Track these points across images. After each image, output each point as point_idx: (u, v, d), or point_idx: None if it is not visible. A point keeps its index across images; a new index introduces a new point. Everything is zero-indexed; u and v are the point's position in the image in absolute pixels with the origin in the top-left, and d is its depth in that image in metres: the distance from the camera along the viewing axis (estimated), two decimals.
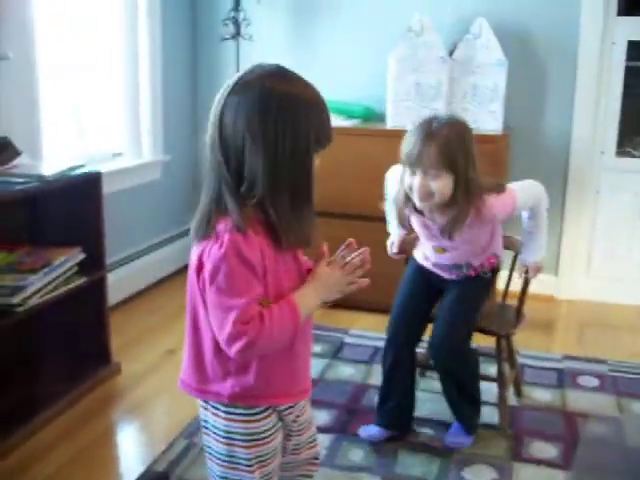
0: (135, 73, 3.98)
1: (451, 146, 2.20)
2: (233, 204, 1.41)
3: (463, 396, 2.53)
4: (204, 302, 1.45)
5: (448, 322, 2.48)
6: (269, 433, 1.56)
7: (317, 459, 1.77)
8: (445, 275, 2.57)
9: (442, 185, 2.22)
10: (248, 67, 1.45)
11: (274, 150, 1.39)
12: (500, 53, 3.66)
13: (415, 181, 2.25)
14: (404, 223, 2.48)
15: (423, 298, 2.60)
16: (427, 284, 2.61)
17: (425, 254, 2.59)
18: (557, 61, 3.87)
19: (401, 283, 2.66)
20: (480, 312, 2.55)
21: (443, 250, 2.49)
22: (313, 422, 1.74)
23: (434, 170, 2.21)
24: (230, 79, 1.45)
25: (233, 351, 1.41)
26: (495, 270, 2.60)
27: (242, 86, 1.42)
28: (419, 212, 2.38)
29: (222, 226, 1.41)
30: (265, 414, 1.54)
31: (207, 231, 1.44)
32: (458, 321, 2.49)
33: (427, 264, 2.60)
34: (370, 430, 2.57)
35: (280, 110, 1.39)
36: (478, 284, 2.55)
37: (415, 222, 2.49)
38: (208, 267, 1.41)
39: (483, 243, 2.49)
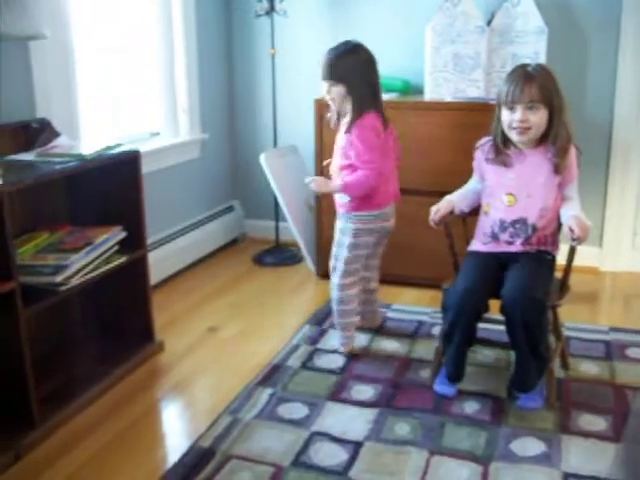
0: (170, 51, 3.97)
1: (548, 84, 2.51)
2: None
3: (534, 352, 2.49)
4: None
5: (524, 277, 2.51)
6: None
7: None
8: (509, 247, 2.62)
9: (539, 117, 2.51)
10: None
11: None
12: (540, 20, 3.58)
13: (516, 116, 2.52)
14: (503, 160, 2.66)
15: (489, 272, 2.61)
16: (491, 263, 2.64)
17: (491, 219, 2.67)
18: (599, 29, 3.76)
19: (462, 268, 2.67)
20: (549, 289, 2.56)
21: (514, 199, 2.61)
22: None
23: (534, 103, 2.49)
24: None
25: None
26: (554, 257, 2.67)
27: None
28: (500, 162, 2.65)
29: None
30: None
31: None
32: (534, 278, 2.52)
33: (489, 245, 2.68)
34: (445, 389, 2.67)
35: None
36: (541, 261, 2.62)
37: (491, 172, 2.68)
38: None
39: (550, 200, 2.59)
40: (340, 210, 2.93)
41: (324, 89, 2.83)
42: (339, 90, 2.78)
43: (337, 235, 2.96)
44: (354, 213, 2.87)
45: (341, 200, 2.91)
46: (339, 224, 2.95)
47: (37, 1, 2.71)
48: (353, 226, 2.89)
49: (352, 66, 2.79)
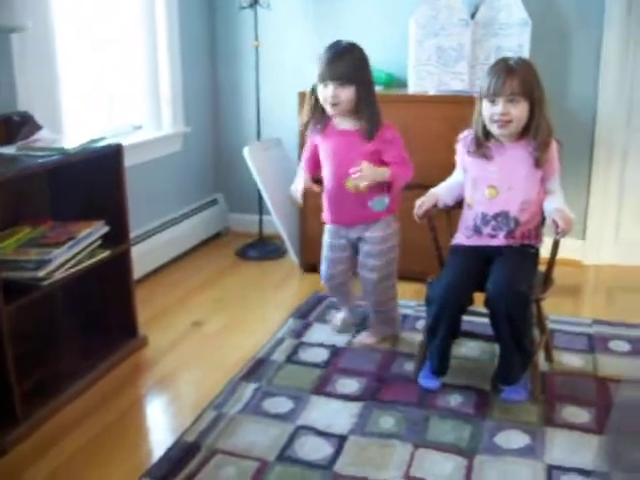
0: (153, 44, 3.95)
1: (529, 77, 2.52)
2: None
3: (518, 345, 2.50)
4: None
5: (508, 270, 2.53)
6: None
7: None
8: (492, 241, 2.63)
9: (520, 110, 2.52)
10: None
11: None
12: (524, 12, 3.58)
13: (497, 109, 2.53)
14: (484, 153, 2.66)
15: (472, 265, 2.61)
16: (474, 256, 2.65)
17: (474, 212, 2.68)
18: (583, 21, 3.77)
19: (446, 262, 2.69)
20: (533, 282, 2.57)
21: (496, 192, 2.63)
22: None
23: (515, 96, 2.50)
24: None
25: None
26: (537, 250, 2.69)
27: None
28: (481, 155, 2.66)
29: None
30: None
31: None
32: (518, 272, 2.53)
33: (472, 238, 2.69)
34: (429, 382, 2.68)
35: None
36: (525, 255, 2.63)
37: (473, 165, 2.69)
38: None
39: (532, 194, 2.60)
40: (376, 219, 2.86)
41: (327, 91, 2.69)
42: (348, 92, 2.68)
43: (376, 247, 2.88)
44: (393, 214, 2.90)
45: (377, 207, 2.84)
46: (376, 233, 2.86)
47: None
48: (396, 225, 2.91)
49: (362, 66, 2.73)
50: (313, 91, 2.78)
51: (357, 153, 2.73)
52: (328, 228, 2.97)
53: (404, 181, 2.80)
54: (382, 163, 2.76)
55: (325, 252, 3.01)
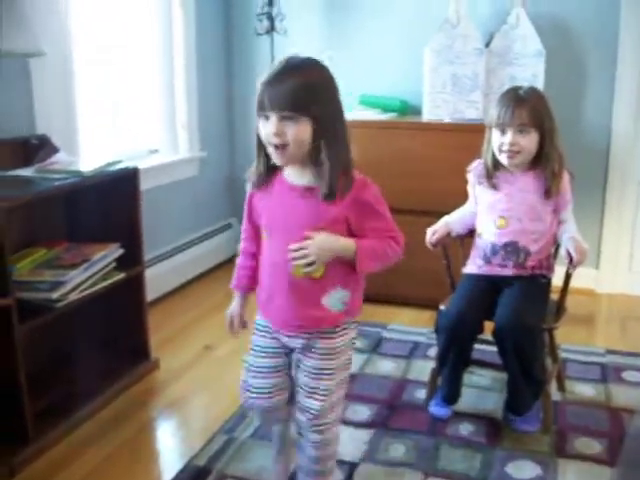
0: (170, 69, 3.99)
1: (539, 107, 2.51)
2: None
3: (527, 376, 2.48)
4: None
5: (516, 302, 2.50)
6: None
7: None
8: (502, 271, 2.61)
9: (530, 141, 2.50)
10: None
11: None
12: (538, 43, 3.61)
13: (506, 139, 2.51)
14: (494, 183, 2.63)
15: (483, 294, 2.59)
16: (485, 285, 2.63)
17: (484, 242, 2.65)
18: (597, 51, 3.79)
19: (457, 290, 2.67)
20: (544, 313, 2.56)
21: (506, 222, 2.59)
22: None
23: (524, 127, 2.48)
24: None
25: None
26: (549, 280, 2.66)
27: None
28: (491, 185, 2.63)
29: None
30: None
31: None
32: (526, 303, 2.50)
33: (483, 268, 2.66)
34: (440, 411, 2.66)
35: None
36: (536, 285, 2.60)
37: (483, 195, 2.67)
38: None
39: (542, 225, 2.58)
40: (333, 324, 1.92)
41: (269, 126, 1.74)
42: (302, 129, 1.72)
43: (328, 362, 1.93)
44: (355, 316, 1.99)
45: (336, 306, 1.90)
46: (330, 342, 1.93)
47: (37, 18, 2.73)
48: (353, 333, 2.00)
49: (328, 92, 1.78)
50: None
51: (315, 221, 1.82)
52: (258, 322, 2.04)
53: (381, 263, 1.90)
54: (352, 237, 1.86)
55: (250, 358, 2.04)
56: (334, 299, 1.90)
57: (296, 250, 1.80)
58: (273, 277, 1.91)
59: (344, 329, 1.95)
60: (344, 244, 1.83)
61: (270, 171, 1.88)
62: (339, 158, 1.78)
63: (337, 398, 1.97)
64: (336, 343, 1.93)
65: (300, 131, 1.72)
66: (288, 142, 1.73)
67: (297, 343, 1.94)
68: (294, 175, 1.85)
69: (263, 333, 2.01)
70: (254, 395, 2.01)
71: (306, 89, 1.71)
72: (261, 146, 1.83)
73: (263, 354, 2.00)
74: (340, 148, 1.79)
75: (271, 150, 1.77)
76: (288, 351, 1.98)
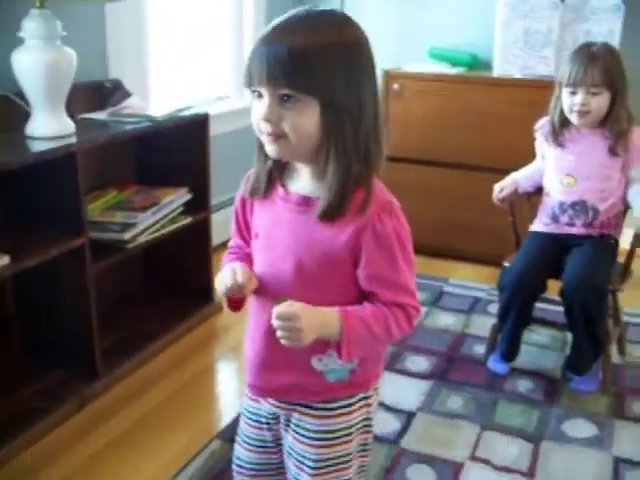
0: (240, 17, 3.99)
1: (612, 67, 2.46)
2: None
3: (591, 337, 2.48)
4: None
5: (586, 262, 2.48)
6: None
7: None
8: (570, 229, 2.59)
9: (601, 101, 2.46)
10: None
11: None
12: None
13: (577, 99, 2.47)
14: (561, 141, 2.60)
15: (548, 253, 2.58)
16: (551, 244, 2.61)
17: (552, 200, 2.63)
18: None
19: (521, 247, 2.66)
20: (611, 274, 2.53)
21: (574, 181, 2.57)
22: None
23: (596, 87, 2.44)
24: None
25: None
26: (617, 241, 2.63)
27: None
28: (558, 143, 2.60)
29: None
30: None
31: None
32: (595, 264, 2.48)
33: (550, 226, 2.64)
34: (498, 367, 2.68)
35: None
36: (604, 246, 2.57)
37: (551, 154, 2.64)
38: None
39: (611, 183, 2.55)
40: (329, 396, 1.35)
41: (260, 108, 1.19)
42: (307, 115, 1.16)
43: (316, 449, 1.35)
44: (371, 386, 1.39)
45: (332, 374, 1.33)
46: (321, 423, 1.35)
47: None
48: (367, 411, 1.39)
49: (354, 65, 1.19)
50: None
51: (303, 246, 1.26)
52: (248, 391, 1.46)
53: (375, 348, 1.35)
54: (353, 282, 1.27)
55: (239, 431, 1.51)
56: (330, 366, 1.32)
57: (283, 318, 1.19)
58: (255, 310, 1.37)
59: (349, 405, 1.36)
60: (325, 317, 1.22)
61: (272, 176, 1.32)
62: (355, 160, 1.20)
63: None
64: (334, 425, 1.35)
65: (303, 118, 1.16)
66: (285, 132, 1.17)
67: (276, 411, 1.40)
68: (290, 177, 1.31)
69: (248, 402, 1.47)
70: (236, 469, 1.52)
71: (316, 55, 1.13)
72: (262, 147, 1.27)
73: (248, 429, 1.47)
74: (361, 147, 1.20)
75: (264, 138, 1.22)
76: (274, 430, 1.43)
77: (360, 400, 1.37)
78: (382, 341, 1.29)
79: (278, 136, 1.18)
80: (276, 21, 1.18)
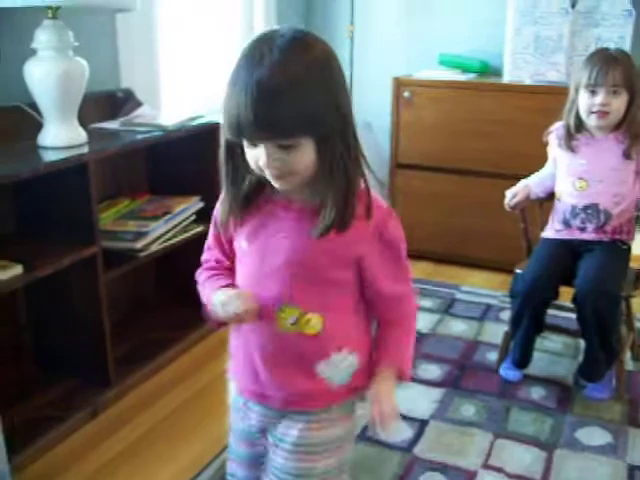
0: (250, 26, 4.00)
1: (631, 68, 2.48)
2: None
3: (604, 343, 2.47)
4: None
5: (598, 268, 2.47)
6: None
7: None
8: (582, 234, 2.58)
9: (620, 102, 2.47)
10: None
11: None
12: (628, 3, 3.49)
13: (597, 99, 2.47)
14: (574, 145, 2.60)
15: (560, 259, 2.57)
16: (563, 251, 2.60)
17: (564, 205, 2.62)
18: None
19: (534, 254, 2.65)
20: (623, 280, 2.52)
21: (586, 184, 2.56)
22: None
23: (617, 87, 2.45)
24: None
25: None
26: (629, 247, 2.62)
27: None
28: (570, 148, 2.59)
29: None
30: None
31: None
32: (608, 270, 2.47)
33: (562, 232, 2.63)
34: (511, 374, 2.68)
35: None
36: (616, 252, 2.56)
37: (563, 157, 2.62)
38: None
39: (624, 187, 2.53)
40: (328, 402, 1.36)
41: (260, 156, 1.19)
42: (307, 153, 1.18)
43: (315, 457, 1.37)
44: (362, 389, 1.38)
45: (338, 377, 1.34)
46: (323, 430, 1.36)
47: None
48: (354, 415, 1.44)
49: (333, 90, 1.22)
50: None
51: (300, 256, 1.27)
52: (234, 399, 1.50)
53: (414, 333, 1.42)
54: (351, 287, 1.33)
55: (230, 443, 1.52)
56: (338, 367, 1.33)
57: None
58: (251, 333, 1.35)
59: (347, 409, 1.39)
60: (391, 381, 1.33)
61: (252, 197, 1.31)
62: (352, 171, 1.22)
63: None
64: (328, 434, 1.36)
65: (305, 156, 1.18)
66: (291, 171, 1.20)
67: (276, 425, 1.39)
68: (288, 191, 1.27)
69: (238, 409, 1.47)
70: None
71: (304, 96, 1.14)
72: (237, 170, 1.27)
73: (238, 440, 1.47)
74: (352, 158, 1.23)
75: (268, 176, 1.22)
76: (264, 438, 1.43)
77: (356, 401, 1.41)
78: (414, 333, 1.41)
79: (284, 175, 1.21)
80: (258, 75, 1.12)
